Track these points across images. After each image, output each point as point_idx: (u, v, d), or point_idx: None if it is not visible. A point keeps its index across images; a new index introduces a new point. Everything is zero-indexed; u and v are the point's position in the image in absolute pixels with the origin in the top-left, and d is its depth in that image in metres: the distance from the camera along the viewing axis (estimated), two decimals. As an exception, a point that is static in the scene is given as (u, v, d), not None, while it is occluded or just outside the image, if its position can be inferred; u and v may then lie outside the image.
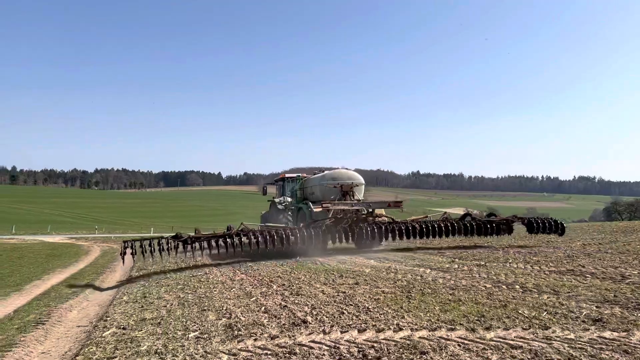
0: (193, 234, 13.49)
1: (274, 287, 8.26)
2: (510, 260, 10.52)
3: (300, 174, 20.71)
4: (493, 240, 16.65)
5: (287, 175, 21.75)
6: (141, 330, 5.82)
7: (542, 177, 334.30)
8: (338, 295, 7.15)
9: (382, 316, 5.65)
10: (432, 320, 5.33)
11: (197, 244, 12.94)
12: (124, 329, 6.00)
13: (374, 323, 5.31)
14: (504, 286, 7.42)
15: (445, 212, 16.60)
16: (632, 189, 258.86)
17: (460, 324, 5.12)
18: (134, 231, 63.19)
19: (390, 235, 14.01)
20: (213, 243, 13.24)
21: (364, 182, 17.11)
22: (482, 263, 10.31)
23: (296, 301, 6.86)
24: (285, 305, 6.53)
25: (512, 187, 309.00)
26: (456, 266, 9.93)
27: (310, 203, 16.43)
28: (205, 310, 6.73)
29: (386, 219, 15.50)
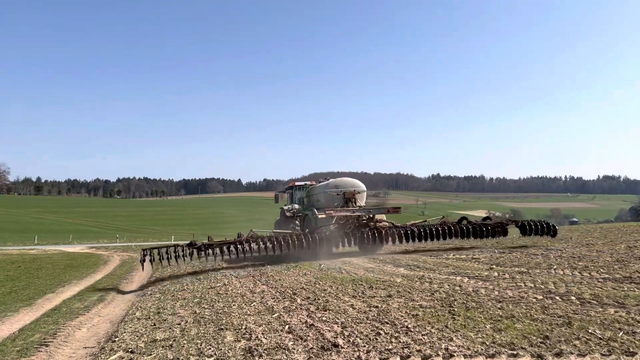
0: (206, 241, 14.31)
1: (298, 300, 7.53)
2: (555, 266, 9.59)
3: (307, 182, 21.35)
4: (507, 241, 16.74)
5: (296, 183, 22.11)
6: (150, 354, 5.14)
7: (566, 177, 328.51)
8: (370, 310, 6.38)
9: (425, 337, 4.87)
10: (487, 344, 4.52)
11: (210, 251, 13.87)
12: (132, 352, 5.34)
13: (418, 347, 4.53)
14: (557, 297, 6.54)
15: (444, 217, 17.27)
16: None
17: (523, 348, 4.30)
18: (155, 239, 63.30)
19: (390, 239, 14.90)
20: (225, 249, 13.99)
21: (365, 189, 17.94)
22: (524, 270, 9.40)
23: (324, 318, 6.11)
24: (312, 324, 5.79)
25: (534, 188, 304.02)
26: (496, 274, 9.05)
27: (315, 210, 16.92)
28: (222, 329, 6.03)
29: (386, 224, 16.18)
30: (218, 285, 10.32)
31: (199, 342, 5.46)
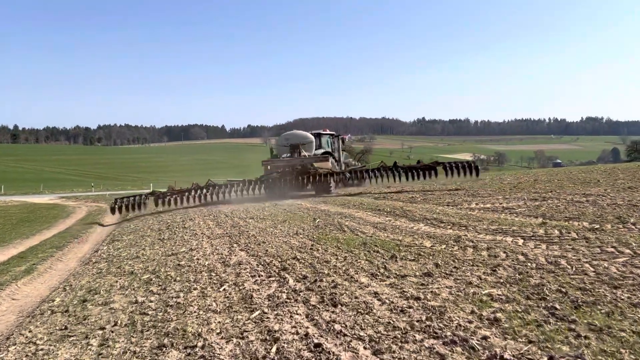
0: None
1: (290, 281, 5.04)
2: (633, 220, 7.22)
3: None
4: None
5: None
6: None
7: (549, 119, 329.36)
8: (410, 306, 3.87)
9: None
10: None
11: (169, 199, 17.20)
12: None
13: None
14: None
15: (382, 162, 18.99)
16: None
17: None
18: (136, 187, 60.49)
19: (330, 182, 17.74)
20: (185, 199, 17.29)
21: (312, 140, 19.97)
22: (586, 225, 7.02)
23: (334, 322, 3.64)
24: (318, 343, 3.30)
25: (518, 130, 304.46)
26: (557, 232, 6.64)
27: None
28: (164, 347, 3.55)
29: (326, 170, 18.22)
30: (182, 250, 7.81)
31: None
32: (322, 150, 21.31)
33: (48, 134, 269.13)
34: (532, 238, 6.38)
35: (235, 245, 7.82)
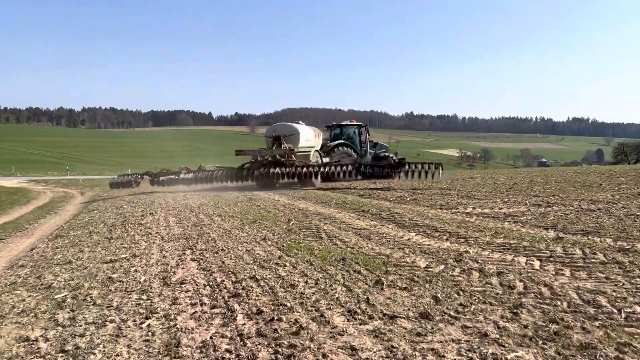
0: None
1: (238, 317, 3.72)
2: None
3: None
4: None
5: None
6: None
7: (536, 118, 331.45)
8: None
9: None
10: None
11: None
12: None
13: None
14: None
15: None
16: (625, 130, 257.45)
17: None
18: (112, 173, 58.41)
19: (284, 177, 17.31)
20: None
21: (296, 132, 19.44)
22: (611, 242, 5.84)
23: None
24: None
25: (505, 128, 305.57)
26: (578, 251, 5.42)
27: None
28: None
29: (297, 163, 17.80)
30: (123, 256, 6.43)
31: None
32: (336, 142, 22.18)
33: (30, 114, 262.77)
34: (551, 260, 5.15)
35: (188, 251, 6.47)
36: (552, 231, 6.78)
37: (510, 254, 5.45)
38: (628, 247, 5.48)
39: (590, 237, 6.19)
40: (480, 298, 3.91)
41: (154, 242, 7.40)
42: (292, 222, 8.50)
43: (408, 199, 11.84)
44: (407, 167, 17.02)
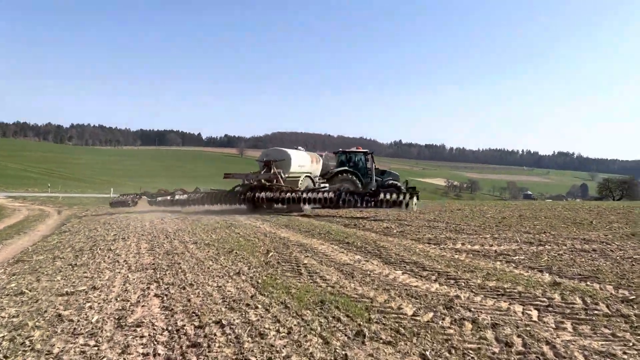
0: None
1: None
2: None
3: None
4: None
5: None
6: None
7: (523, 150, 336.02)
8: None
9: None
10: None
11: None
12: None
13: None
14: None
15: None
16: (608, 166, 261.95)
17: None
18: (96, 191, 57.18)
19: (269, 202, 17.44)
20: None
21: (287, 158, 19.28)
22: (612, 290, 5.40)
23: None
24: None
25: (492, 159, 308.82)
26: (579, 300, 4.96)
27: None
28: None
29: (284, 188, 17.74)
30: (82, 288, 5.83)
31: None
32: (339, 169, 22.46)
33: (17, 129, 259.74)
34: (550, 309, 4.68)
35: (154, 285, 5.89)
36: (548, 274, 6.33)
37: (505, 301, 4.97)
38: (632, 297, 5.04)
39: (589, 283, 5.75)
40: (475, 358, 3.41)
41: (119, 272, 6.81)
42: (270, 254, 7.95)
43: (394, 230, 11.38)
44: (381, 195, 15.68)
